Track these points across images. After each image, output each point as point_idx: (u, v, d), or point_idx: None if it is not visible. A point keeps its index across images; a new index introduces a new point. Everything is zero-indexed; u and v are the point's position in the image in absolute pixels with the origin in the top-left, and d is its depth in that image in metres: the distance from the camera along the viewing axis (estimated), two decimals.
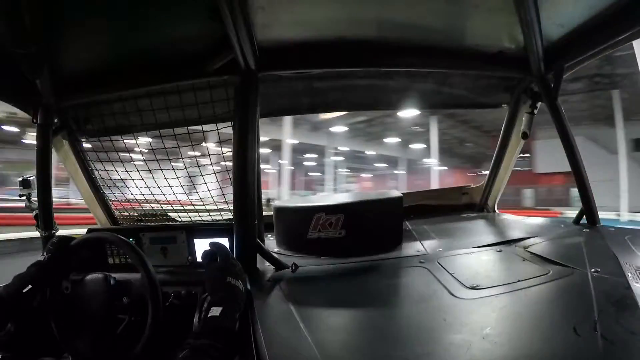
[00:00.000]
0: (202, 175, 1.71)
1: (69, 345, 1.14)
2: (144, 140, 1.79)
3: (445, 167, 24.42)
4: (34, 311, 1.10)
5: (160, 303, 1.11)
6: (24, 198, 1.52)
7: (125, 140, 1.75)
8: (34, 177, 1.49)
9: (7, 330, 1.05)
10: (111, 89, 1.46)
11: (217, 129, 1.53)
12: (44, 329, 1.16)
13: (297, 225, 1.47)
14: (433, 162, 18.74)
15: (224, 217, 1.76)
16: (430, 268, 1.13)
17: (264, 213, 1.43)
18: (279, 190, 16.21)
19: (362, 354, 0.74)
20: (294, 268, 1.24)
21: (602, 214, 1.52)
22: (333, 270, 1.23)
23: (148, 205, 1.79)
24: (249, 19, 1.17)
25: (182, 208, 1.85)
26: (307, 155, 23.10)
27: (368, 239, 1.44)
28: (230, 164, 1.33)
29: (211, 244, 1.08)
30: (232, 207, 1.33)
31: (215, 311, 0.85)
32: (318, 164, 24.02)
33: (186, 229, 1.43)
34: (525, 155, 18.40)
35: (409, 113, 12.48)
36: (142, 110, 1.57)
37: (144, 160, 1.74)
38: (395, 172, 25.77)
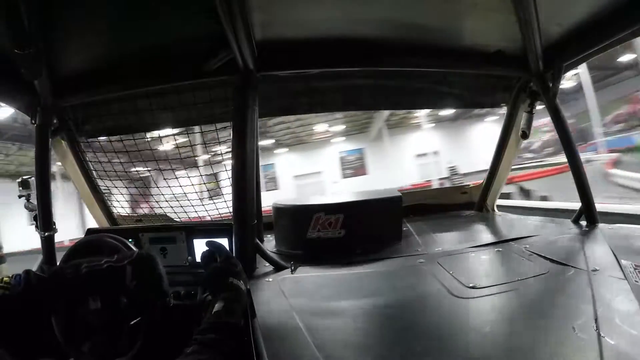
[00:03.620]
0: (201, 175, 1.71)
1: (70, 347, 1.14)
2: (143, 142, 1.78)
3: None
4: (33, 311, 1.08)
5: (157, 305, 1.10)
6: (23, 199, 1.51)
7: (124, 142, 1.75)
8: (33, 177, 1.49)
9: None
10: (110, 89, 1.45)
11: (216, 129, 1.53)
12: (44, 329, 1.16)
13: (296, 225, 1.47)
14: None
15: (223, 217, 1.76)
16: (430, 267, 1.13)
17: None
18: None
19: (362, 353, 0.74)
20: (293, 268, 1.24)
21: None
22: (332, 270, 1.23)
23: (147, 205, 1.79)
24: (247, 19, 1.17)
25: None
26: None
27: (367, 239, 1.44)
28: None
29: (208, 244, 1.07)
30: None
31: (220, 307, 0.85)
32: None
33: (185, 230, 1.43)
34: None
35: None
36: (141, 110, 1.56)
37: (143, 161, 1.74)
38: None
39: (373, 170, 19.13)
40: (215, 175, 1.73)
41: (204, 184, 1.73)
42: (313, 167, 19.89)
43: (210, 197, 1.80)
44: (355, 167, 19.77)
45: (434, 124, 18.32)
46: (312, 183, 19.40)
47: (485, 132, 17.01)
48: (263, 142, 17.55)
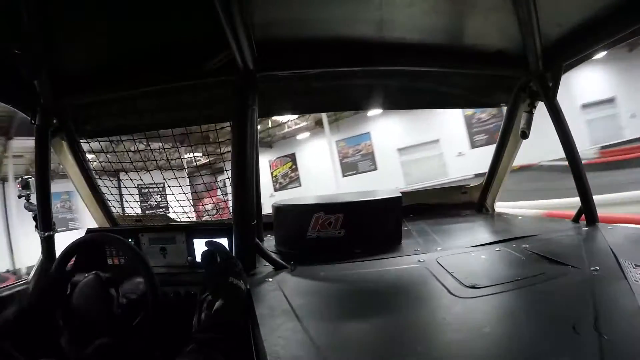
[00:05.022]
0: (200, 175, 1.72)
1: (71, 348, 1.14)
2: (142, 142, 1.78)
3: None
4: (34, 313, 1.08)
5: (158, 303, 1.11)
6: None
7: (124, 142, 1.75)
8: (32, 178, 1.49)
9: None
10: (110, 89, 1.46)
11: (216, 129, 1.53)
12: (44, 330, 1.16)
13: (296, 224, 1.47)
14: None
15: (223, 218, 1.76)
16: (430, 267, 1.13)
17: None
18: None
19: (362, 353, 0.74)
20: (293, 268, 1.24)
21: None
22: (332, 270, 1.23)
23: (147, 205, 1.80)
24: (247, 19, 1.17)
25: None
26: None
27: (367, 239, 1.44)
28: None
29: (208, 244, 1.08)
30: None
31: (220, 306, 0.86)
32: None
33: (185, 230, 1.43)
34: None
35: None
36: (141, 110, 1.57)
37: (143, 161, 1.74)
38: None
39: None
40: (215, 174, 1.73)
41: (204, 183, 1.73)
42: (425, 134, 13.19)
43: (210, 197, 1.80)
44: (490, 131, 12.39)
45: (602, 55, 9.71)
46: (424, 158, 13.36)
47: None
48: None
